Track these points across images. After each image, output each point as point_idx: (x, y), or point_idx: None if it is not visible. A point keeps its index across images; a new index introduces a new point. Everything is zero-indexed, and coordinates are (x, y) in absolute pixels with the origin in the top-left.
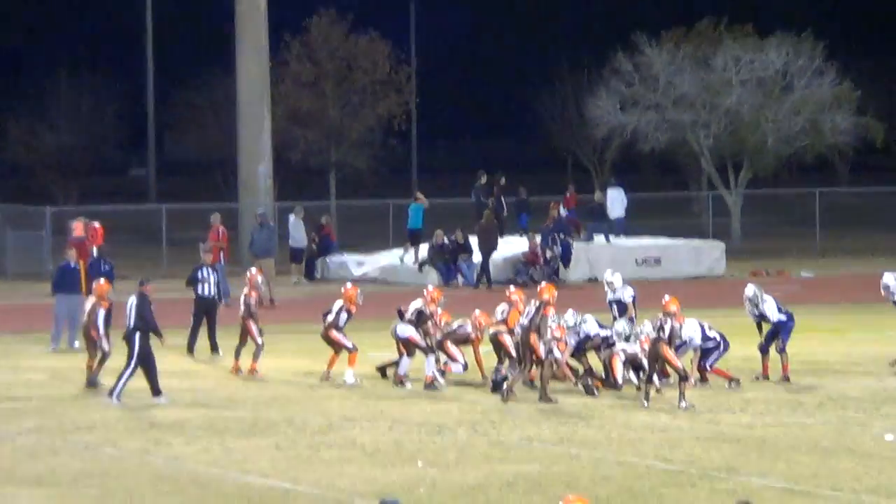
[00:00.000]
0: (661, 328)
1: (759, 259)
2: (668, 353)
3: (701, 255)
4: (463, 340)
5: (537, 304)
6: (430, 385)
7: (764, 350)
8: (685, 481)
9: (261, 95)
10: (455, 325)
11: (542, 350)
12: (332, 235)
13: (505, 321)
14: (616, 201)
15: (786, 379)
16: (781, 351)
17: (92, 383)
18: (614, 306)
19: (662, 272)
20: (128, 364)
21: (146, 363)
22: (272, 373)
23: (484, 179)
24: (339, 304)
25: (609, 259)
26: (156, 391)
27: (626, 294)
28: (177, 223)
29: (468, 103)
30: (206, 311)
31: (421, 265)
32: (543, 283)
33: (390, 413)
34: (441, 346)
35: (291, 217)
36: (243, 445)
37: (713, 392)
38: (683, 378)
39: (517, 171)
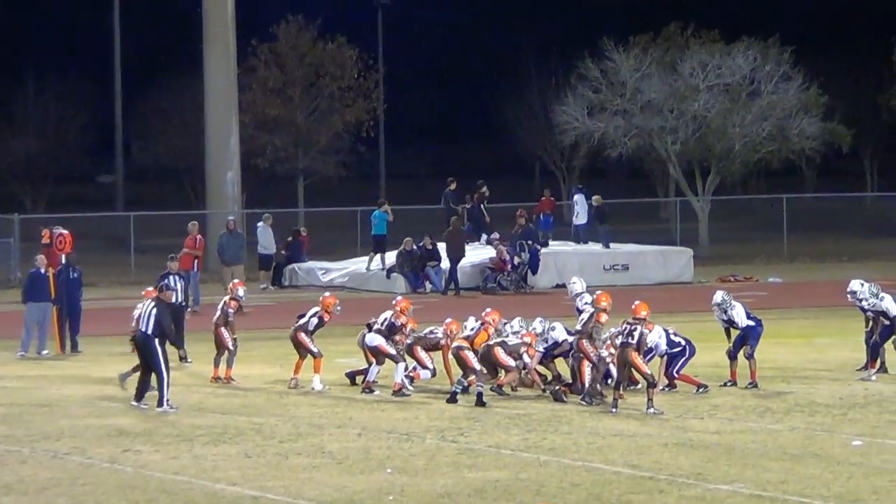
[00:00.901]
0: (630, 334)
1: (727, 265)
2: (637, 359)
3: (669, 261)
4: (433, 346)
5: (591, 310)
6: (399, 392)
7: (732, 356)
8: (653, 488)
9: (228, 101)
10: (426, 330)
11: (593, 356)
12: (305, 245)
13: (471, 339)
14: (579, 207)
15: (754, 385)
16: (749, 357)
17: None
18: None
19: (630, 278)
20: (159, 371)
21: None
22: (241, 380)
23: (454, 186)
24: (314, 310)
25: (577, 265)
26: (140, 397)
27: (582, 301)
28: (145, 231)
29: (436, 109)
30: (173, 319)
31: (389, 272)
32: (600, 291)
33: (359, 420)
34: (411, 351)
35: (260, 224)
36: (212, 453)
37: (681, 398)
38: (651, 384)
39: (484, 177)
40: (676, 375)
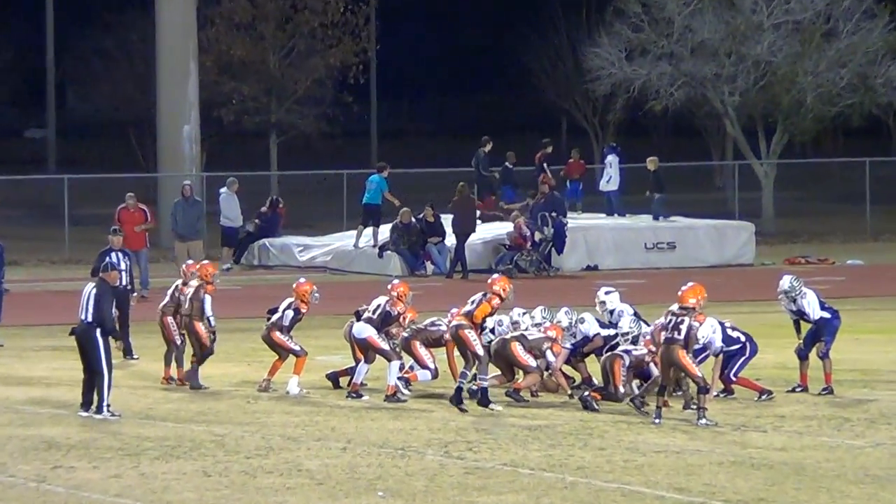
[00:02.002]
0: (677, 327)
1: (796, 243)
2: (685, 358)
3: (725, 238)
4: (435, 342)
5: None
6: (393, 397)
7: (802, 355)
8: None
9: (185, 40)
10: (426, 322)
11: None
12: (283, 219)
13: (471, 314)
14: (612, 170)
15: (828, 390)
16: (824, 356)
17: (195, 385)
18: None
19: (678, 259)
20: (99, 371)
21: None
22: (199, 381)
23: (489, 147)
24: (288, 301)
25: (612, 243)
26: (88, 404)
27: (624, 321)
28: (82, 197)
29: (440, 52)
30: (117, 306)
31: (381, 250)
32: (691, 283)
33: (343, 431)
34: (408, 347)
35: (223, 191)
36: (162, 471)
37: (740, 406)
38: (704, 389)
39: (501, 134)
40: (734, 379)
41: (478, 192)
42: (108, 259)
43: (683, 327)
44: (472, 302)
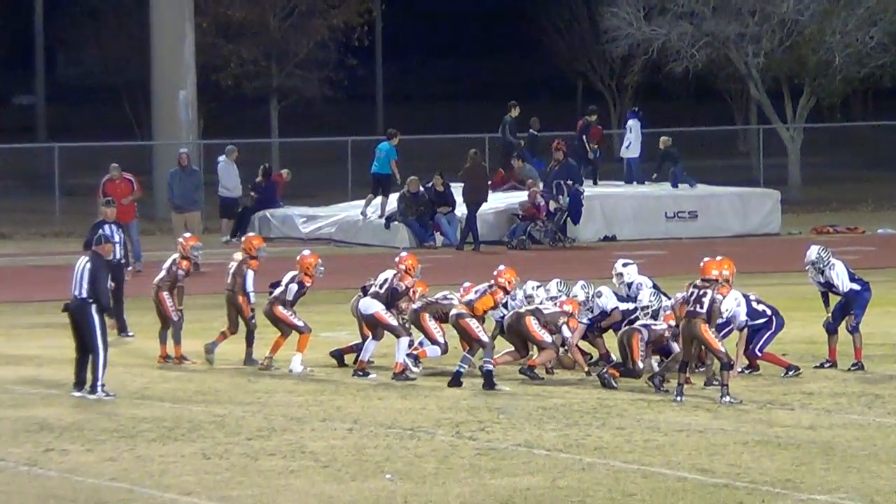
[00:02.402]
0: (699, 300)
1: (824, 212)
2: (707, 332)
3: (750, 206)
4: (446, 316)
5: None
6: (401, 374)
7: (831, 329)
8: (730, 498)
9: (181, 0)
10: (438, 295)
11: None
12: (281, 187)
13: (471, 304)
14: (632, 136)
15: (859, 366)
16: (854, 330)
17: (251, 361)
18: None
19: (700, 229)
20: (94, 349)
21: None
22: (196, 360)
23: (516, 112)
24: (291, 274)
25: (630, 212)
26: (81, 384)
27: (643, 294)
28: (73, 166)
29: (448, 11)
30: (111, 280)
31: (388, 220)
32: (720, 257)
33: (349, 411)
34: (417, 320)
35: (221, 159)
36: (160, 453)
37: (766, 383)
38: (727, 366)
39: (514, 98)
40: (759, 354)
41: (502, 161)
42: (101, 231)
43: (706, 300)
44: (477, 292)
